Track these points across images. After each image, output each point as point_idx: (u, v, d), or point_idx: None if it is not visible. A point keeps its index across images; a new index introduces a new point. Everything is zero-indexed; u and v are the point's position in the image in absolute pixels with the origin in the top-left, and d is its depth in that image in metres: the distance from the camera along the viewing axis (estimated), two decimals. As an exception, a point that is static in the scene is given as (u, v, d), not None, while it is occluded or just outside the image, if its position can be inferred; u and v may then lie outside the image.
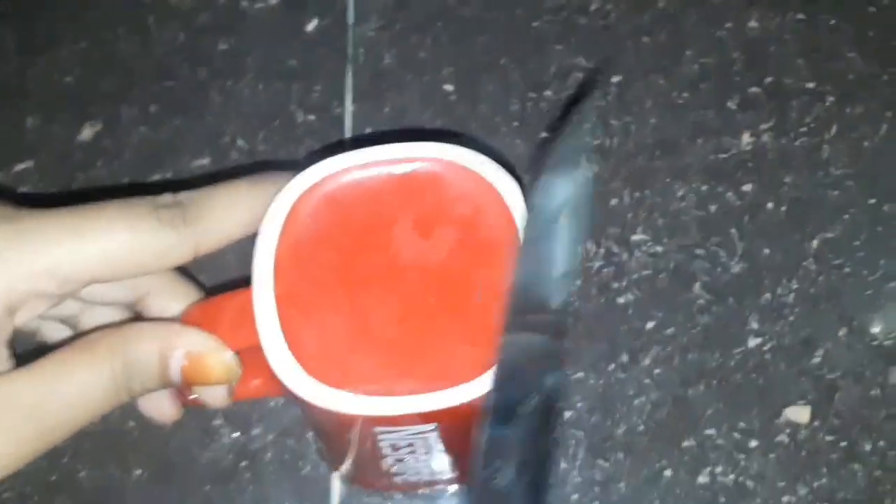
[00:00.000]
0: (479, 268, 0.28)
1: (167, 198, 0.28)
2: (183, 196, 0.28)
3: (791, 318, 0.38)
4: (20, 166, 0.42)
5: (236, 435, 0.37)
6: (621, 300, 0.39)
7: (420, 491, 0.36)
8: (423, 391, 0.27)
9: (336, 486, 0.36)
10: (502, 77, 0.43)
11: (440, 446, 0.30)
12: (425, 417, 0.27)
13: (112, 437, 0.37)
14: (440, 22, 0.45)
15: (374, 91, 0.43)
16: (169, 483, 0.36)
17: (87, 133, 0.42)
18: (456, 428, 0.29)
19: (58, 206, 0.27)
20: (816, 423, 0.37)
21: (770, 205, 0.41)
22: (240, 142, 0.42)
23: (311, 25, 0.45)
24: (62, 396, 0.26)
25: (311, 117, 0.43)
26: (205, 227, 0.27)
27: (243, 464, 0.36)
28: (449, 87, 0.43)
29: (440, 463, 0.32)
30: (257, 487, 0.36)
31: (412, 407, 0.27)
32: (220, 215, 0.28)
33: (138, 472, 0.36)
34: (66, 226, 0.26)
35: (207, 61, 0.44)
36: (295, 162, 0.41)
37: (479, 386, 0.27)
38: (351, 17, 0.45)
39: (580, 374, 0.38)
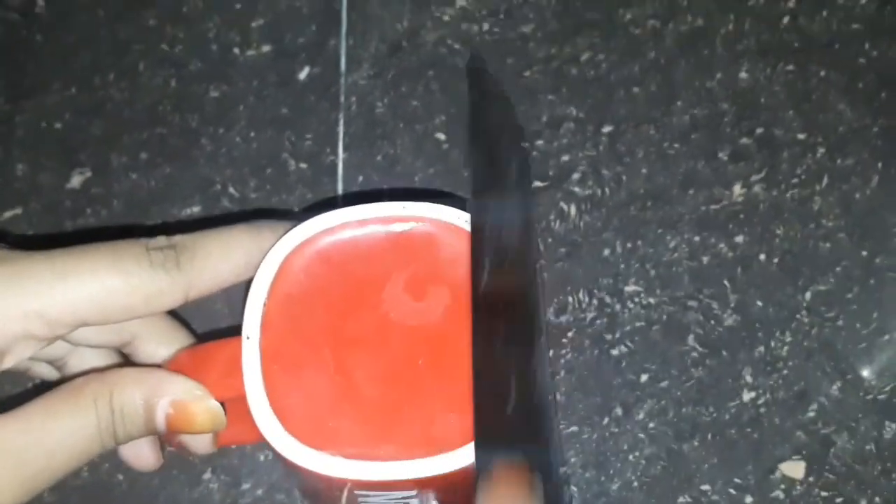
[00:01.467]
0: (470, 332, 0.28)
1: (161, 240, 0.27)
2: (177, 239, 0.28)
3: (785, 371, 0.38)
4: (8, 213, 0.41)
5: (226, 489, 0.36)
6: (615, 352, 0.39)
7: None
8: (406, 457, 0.26)
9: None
10: (494, 126, 0.43)
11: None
12: (407, 483, 0.27)
13: (100, 490, 0.36)
14: (432, 70, 0.45)
15: (367, 139, 0.43)
16: (155, 541, 0.35)
17: (76, 180, 0.42)
18: (441, 493, 0.29)
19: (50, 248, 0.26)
20: (811, 479, 0.36)
21: (762, 256, 0.41)
22: (231, 189, 0.42)
23: (303, 73, 0.45)
24: (47, 443, 0.25)
25: (303, 165, 0.43)
26: (198, 271, 0.27)
27: (232, 520, 0.36)
28: (441, 136, 0.43)
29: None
30: (246, 545, 0.35)
31: (393, 473, 0.26)
32: (214, 260, 0.28)
33: (124, 528, 0.35)
34: (57, 268, 0.25)
35: (199, 108, 0.44)
36: (289, 211, 0.41)
37: (463, 455, 0.26)
38: (343, 65, 0.45)
39: (574, 428, 0.38)
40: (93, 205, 0.41)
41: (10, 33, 0.45)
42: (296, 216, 0.29)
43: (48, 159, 0.42)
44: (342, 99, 0.44)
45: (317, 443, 0.26)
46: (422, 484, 0.27)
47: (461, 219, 0.29)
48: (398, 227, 0.29)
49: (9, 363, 0.26)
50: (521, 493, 0.23)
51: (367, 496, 0.28)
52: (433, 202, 0.30)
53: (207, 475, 0.36)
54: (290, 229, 0.29)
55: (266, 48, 0.45)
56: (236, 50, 0.45)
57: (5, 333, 0.25)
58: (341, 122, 0.44)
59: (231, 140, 0.43)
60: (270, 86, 0.44)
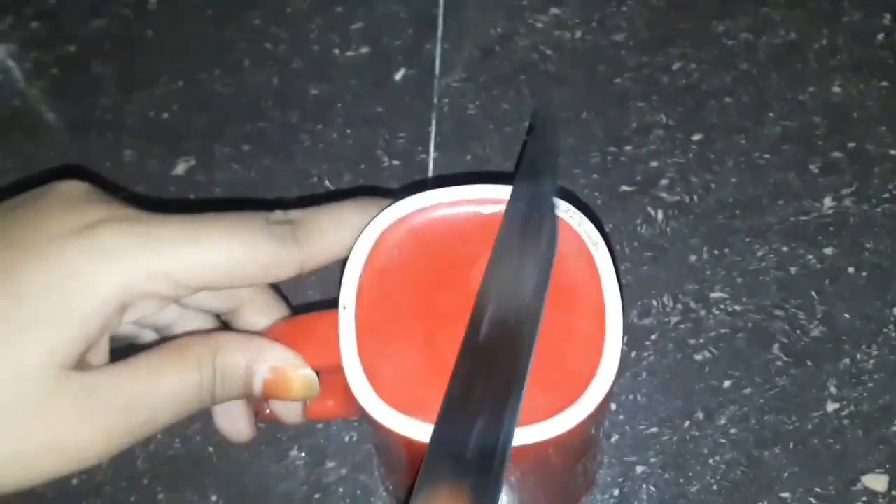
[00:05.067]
0: (556, 313, 0.29)
1: (279, 214, 0.29)
2: (294, 214, 0.29)
3: (870, 384, 0.38)
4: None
5: (310, 467, 0.37)
6: (698, 357, 0.39)
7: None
8: None
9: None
10: (583, 130, 0.44)
11: (506, 483, 0.30)
12: None
13: (191, 462, 0.37)
14: (523, 76, 0.46)
15: (457, 139, 0.44)
16: (243, 512, 0.36)
17: (181, 167, 0.44)
18: (520, 467, 0.29)
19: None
20: (894, 493, 0.36)
21: (851, 269, 0.40)
22: (327, 182, 0.43)
23: (399, 75, 0.46)
24: (152, 396, 0.27)
25: (396, 162, 0.44)
26: (313, 246, 0.28)
27: (317, 496, 0.37)
28: (531, 139, 0.44)
29: (505, 501, 0.33)
30: (329, 522, 0.36)
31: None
32: (327, 235, 0.29)
33: (214, 497, 0.37)
34: (187, 232, 0.27)
35: (299, 105, 0.45)
36: (390, 189, 0.42)
37: (546, 428, 0.27)
38: (437, 68, 0.46)
39: (654, 430, 0.38)
40: (196, 191, 0.43)
41: (123, 29, 0.48)
42: (396, 194, 0.30)
43: (155, 147, 0.44)
44: (435, 100, 0.45)
45: (407, 409, 0.27)
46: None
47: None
48: (489, 209, 0.30)
49: (130, 318, 0.27)
50: None
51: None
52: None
53: (294, 452, 0.37)
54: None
55: (364, 50, 0.47)
56: (336, 50, 0.47)
57: (133, 289, 0.26)
58: (434, 122, 0.45)
59: (328, 136, 0.45)
60: (367, 85, 0.46)
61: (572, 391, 0.28)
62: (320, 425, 0.38)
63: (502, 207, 0.30)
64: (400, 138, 0.44)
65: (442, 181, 0.31)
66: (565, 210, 0.30)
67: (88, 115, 0.45)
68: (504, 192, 0.30)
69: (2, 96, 0.46)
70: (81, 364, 0.26)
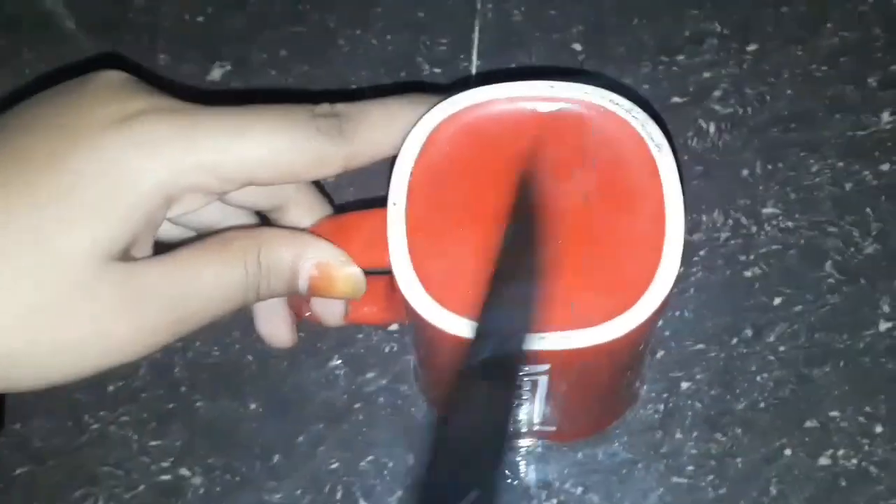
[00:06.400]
0: (615, 214, 0.28)
1: (325, 107, 0.27)
2: (340, 107, 0.28)
3: (926, 304, 0.37)
4: (149, 101, 0.42)
5: (351, 376, 0.37)
6: (748, 273, 0.38)
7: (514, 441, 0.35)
8: (544, 329, 0.26)
9: (448, 435, 0.36)
10: (633, 38, 0.42)
11: (547, 393, 0.30)
12: (542, 356, 0.27)
13: (230, 370, 0.37)
14: (571, -20, 0.44)
15: (502, 47, 0.43)
16: (283, 419, 0.36)
17: (216, 73, 0.43)
18: (568, 374, 0.29)
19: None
20: (947, 414, 0.35)
21: (909, 186, 0.39)
22: (367, 89, 0.42)
23: (441, -22, 0.44)
24: (196, 289, 0.26)
25: (437, 70, 0.42)
26: (360, 141, 0.27)
27: (357, 405, 0.36)
28: (577, 47, 0.42)
29: (541, 412, 0.32)
30: (370, 430, 0.36)
31: (531, 342, 0.26)
32: (375, 131, 0.28)
33: (253, 406, 0.36)
34: (231, 125, 0.26)
35: (337, 8, 0.44)
36: (441, 85, 0.41)
37: (601, 333, 0.26)
38: (481, -28, 0.44)
39: (700, 346, 0.37)
40: (232, 98, 0.42)
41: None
42: (446, 91, 0.29)
43: (190, 51, 0.43)
44: (479, 5, 0.44)
45: (457, 308, 0.26)
46: (556, 358, 0.27)
47: (612, 101, 0.29)
48: (547, 107, 0.29)
49: (175, 212, 0.26)
50: None
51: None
52: (583, 82, 0.29)
53: (334, 362, 0.37)
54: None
55: (405, -48, 0.45)
56: (376, -48, 0.45)
57: (178, 182, 0.25)
58: (477, 29, 0.43)
59: (367, 41, 0.43)
60: (408, -11, 0.44)
61: (628, 297, 0.27)
62: (360, 335, 0.37)
63: (562, 105, 0.29)
64: (441, 45, 0.43)
65: (489, 80, 0.30)
66: (628, 109, 0.28)
67: (121, 17, 0.44)
68: (565, 89, 0.29)
69: (31, -4, 0.45)
70: (125, 257, 0.25)
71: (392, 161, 0.29)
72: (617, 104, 0.29)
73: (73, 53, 0.43)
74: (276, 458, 0.36)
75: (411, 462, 0.35)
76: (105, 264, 0.24)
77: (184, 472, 0.36)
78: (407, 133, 0.28)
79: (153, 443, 0.36)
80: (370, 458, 0.36)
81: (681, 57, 0.42)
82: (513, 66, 0.42)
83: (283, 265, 0.27)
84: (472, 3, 0.44)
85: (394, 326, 0.37)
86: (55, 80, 0.27)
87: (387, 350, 0.37)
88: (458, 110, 0.29)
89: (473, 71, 0.42)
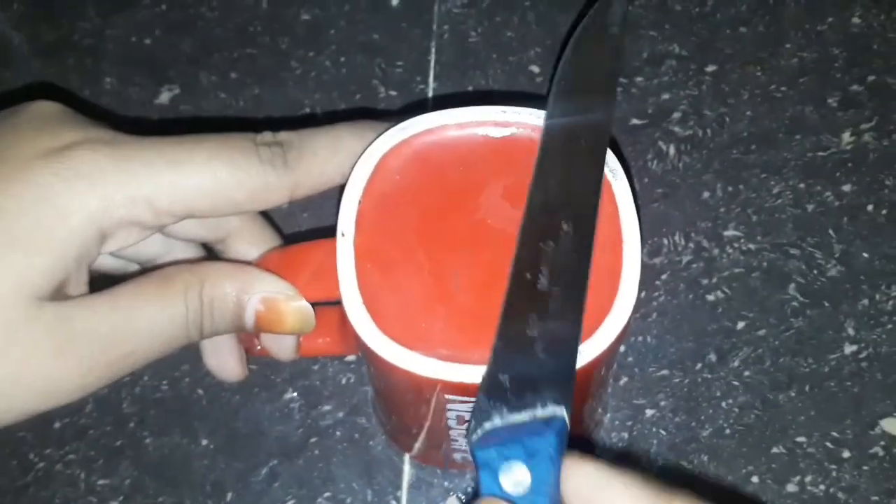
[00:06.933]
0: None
1: (267, 136, 0.26)
2: (283, 136, 0.27)
3: (889, 325, 0.37)
4: (96, 126, 0.41)
5: (306, 410, 0.35)
6: (710, 297, 0.37)
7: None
8: None
9: (407, 468, 0.35)
10: (592, 61, 0.42)
11: None
12: None
13: (180, 404, 0.36)
14: (528, 1, 0.43)
15: (459, 69, 0.42)
16: (236, 455, 0.35)
17: (164, 96, 0.41)
18: None
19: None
20: (913, 438, 0.35)
21: (870, 207, 0.39)
22: (320, 114, 0.41)
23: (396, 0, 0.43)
24: (135, 328, 0.25)
25: (393, 93, 0.42)
26: (304, 170, 0.26)
27: (313, 440, 0.35)
28: (535, 69, 0.42)
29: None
30: (326, 465, 0.35)
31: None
32: (320, 159, 0.27)
33: (205, 441, 0.35)
34: (168, 155, 0.25)
35: (289, 30, 0.43)
36: (390, 112, 0.40)
37: None
38: (437, -8, 0.44)
39: (664, 372, 0.36)
40: (180, 122, 0.41)
41: (102, -51, 0.45)
42: (397, 117, 0.28)
43: (137, 74, 0.42)
44: (435, 27, 0.43)
45: (409, 343, 0.25)
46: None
47: None
48: (498, 132, 0.28)
49: (110, 248, 0.25)
50: None
51: (456, 402, 0.27)
52: (534, 108, 0.28)
53: (289, 395, 0.36)
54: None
55: (359, -28, 0.44)
56: (329, -27, 0.44)
57: (111, 216, 0.24)
58: (433, 51, 0.42)
59: (321, 64, 0.42)
60: (362, 11, 0.43)
61: (588, 325, 0.26)
62: (316, 367, 0.36)
63: (514, 131, 0.28)
64: (397, 67, 0.42)
65: (445, 103, 0.29)
66: None
67: (66, 40, 0.43)
68: (516, 114, 0.28)
69: (-28, 19, 0.44)
70: (57, 295, 0.24)
71: (342, 189, 0.28)
72: None
73: (19, 76, 0.42)
74: (229, 495, 0.34)
75: (370, 497, 0.34)
76: (34, 304, 0.23)
77: (132, 512, 0.34)
78: (355, 161, 0.27)
79: (101, 481, 0.35)
80: (327, 494, 0.34)
81: (639, 79, 0.41)
82: (470, 89, 0.41)
83: (227, 301, 0.26)
84: (428, 25, 0.43)
85: (350, 357, 0.36)
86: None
87: (343, 381, 0.36)
88: (407, 136, 0.28)
89: (430, 94, 0.42)
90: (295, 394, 0.36)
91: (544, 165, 0.27)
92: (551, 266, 0.25)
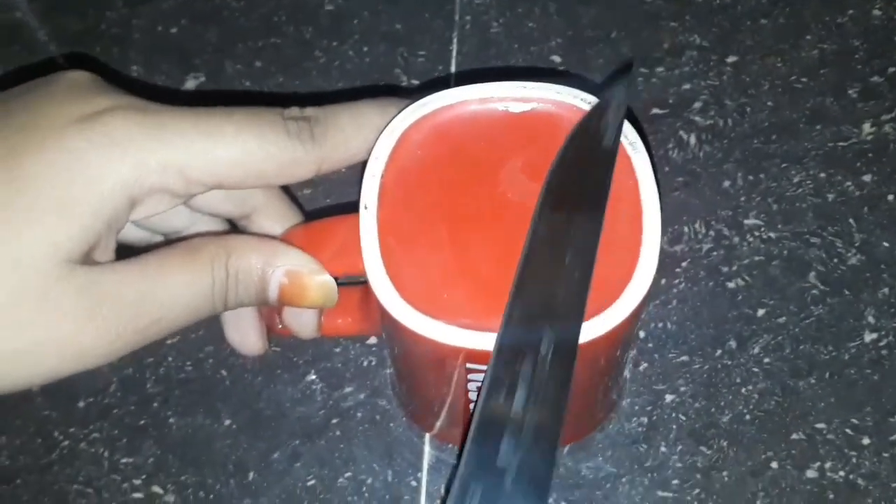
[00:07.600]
0: None
1: (295, 111, 0.27)
2: (311, 111, 0.27)
3: (910, 314, 0.37)
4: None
5: (328, 391, 0.36)
6: (731, 285, 0.37)
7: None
8: None
9: (427, 449, 0.35)
10: (612, 51, 0.42)
11: None
12: None
13: (203, 385, 0.36)
14: (550, -7, 0.44)
15: (480, 59, 0.42)
16: (258, 435, 0.35)
17: (190, 84, 0.42)
18: None
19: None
20: (934, 426, 0.35)
21: (890, 197, 0.39)
22: (339, 93, 0.41)
23: (419, -10, 0.44)
24: (161, 296, 0.25)
25: (415, 82, 0.42)
26: (330, 144, 0.27)
27: (334, 421, 0.35)
28: (556, 59, 0.42)
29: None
30: (347, 446, 0.35)
31: None
32: (346, 134, 0.27)
33: (227, 421, 0.35)
34: (200, 125, 0.25)
35: (313, 20, 0.43)
36: (412, 88, 0.40)
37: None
38: (459, -16, 0.44)
39: (684, 358, 0.36)
40: (206, 109, 0.41)
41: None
42: (419, 93, 0.28)
43: (164, 63, 0.42)
44: (457, 17, 0.43)
45: (433, 312, 0.26)
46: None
47: (584, 101, 0.28)
48: (518, 108, 0.28)
49: (139, 214, 0.25)
50: None
51: (478, 371, 0.27)
52: (556, 82, 0.29)
53: (311, 377, 0.36)
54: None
55: (383, -36, 0.44)
56: (353, -36, 0.44)
57: (142, 183, 0.24)
58: (455, 41, 0.43)
59: (344, 53, 0.43)
60: (385, 1, 0.44)
61: (605, 297, 0.26)
62: (337, 349, 0.36)
63: (534, 106, 0.28)
64: (419, 57, 0.42)
65: (467, 79, 0.29)
66: (582, 99, 0.28)
67: (93, 31, 0.43)
68: (537, 90, 0.28)
69: (3, 7, 0.44)
70: (87, 260, 0.24)
71: (364, 165, 0.28)
72: (589, 103, 0.28)
73: (44, 66, 0.42)
74: (251, 475, 0.35)
75: (390, 478, 0.34)
76: (65, 268, 0.23)
77: (156, 489, 0.34)
78: (378, 135, 0.28)
79: (125, 460, 0.35)
80: (348, 474, 0.35)
81: (660, 69, 0.41)
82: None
83: (252, 273, 0.27)
84: (449, 15, 0.43)
85: (372, 340, 0.36)
86: (20, 81, 0.26)
87: (365, 364, 0.36)
88: (429, 112, 0.28)
89: (451, 83, 0.42)
90: (316, 376, 0.36)
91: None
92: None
